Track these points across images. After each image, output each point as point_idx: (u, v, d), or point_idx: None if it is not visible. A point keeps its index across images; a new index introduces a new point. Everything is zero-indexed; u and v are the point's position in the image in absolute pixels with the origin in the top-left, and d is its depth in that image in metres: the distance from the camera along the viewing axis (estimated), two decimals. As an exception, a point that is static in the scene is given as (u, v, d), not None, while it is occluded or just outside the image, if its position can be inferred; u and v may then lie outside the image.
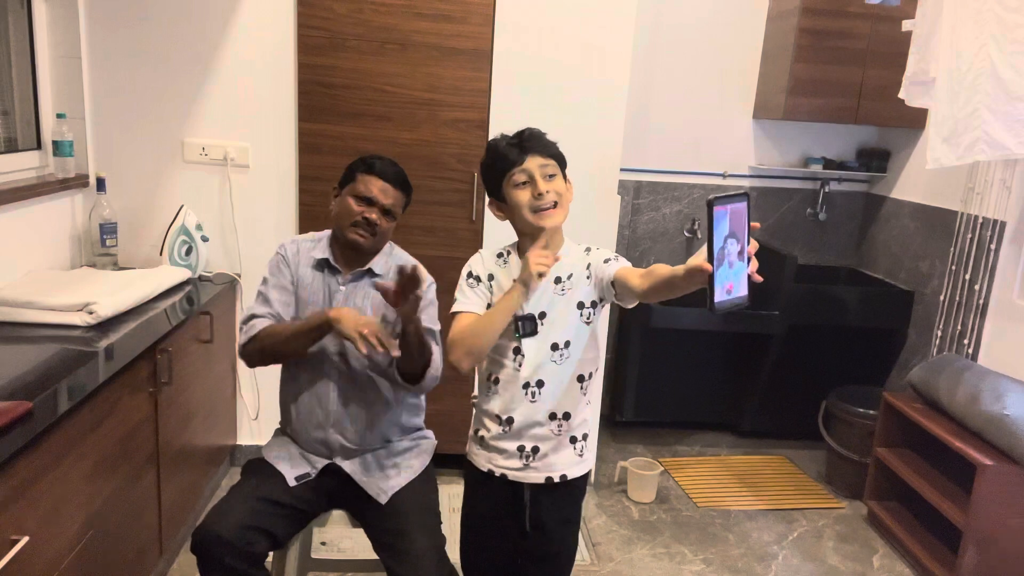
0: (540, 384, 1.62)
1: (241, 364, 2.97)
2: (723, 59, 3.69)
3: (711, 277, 1.16)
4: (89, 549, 1.75)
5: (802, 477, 3.43)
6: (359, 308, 1.89)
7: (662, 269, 1.43)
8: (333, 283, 1.91)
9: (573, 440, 1.68)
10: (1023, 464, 2.40)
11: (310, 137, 2.82)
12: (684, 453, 3.64)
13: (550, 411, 1.64)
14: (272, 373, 3.00)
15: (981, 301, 3.00)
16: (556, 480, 1.67)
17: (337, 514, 1.94)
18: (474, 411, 1.76)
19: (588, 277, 1.63)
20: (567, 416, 1.65)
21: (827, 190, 3.85)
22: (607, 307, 1.68)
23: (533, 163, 1.60)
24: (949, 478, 2.74)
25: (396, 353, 1.68)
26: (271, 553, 1.83)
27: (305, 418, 1.92)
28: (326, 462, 1.90)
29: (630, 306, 1.65)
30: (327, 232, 1.98)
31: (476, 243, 2.91)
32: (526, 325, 1.60)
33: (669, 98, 3.70)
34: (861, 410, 3.17)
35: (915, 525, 2.86)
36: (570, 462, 1.68)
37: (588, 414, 1.70)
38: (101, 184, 2.69)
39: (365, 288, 1.92)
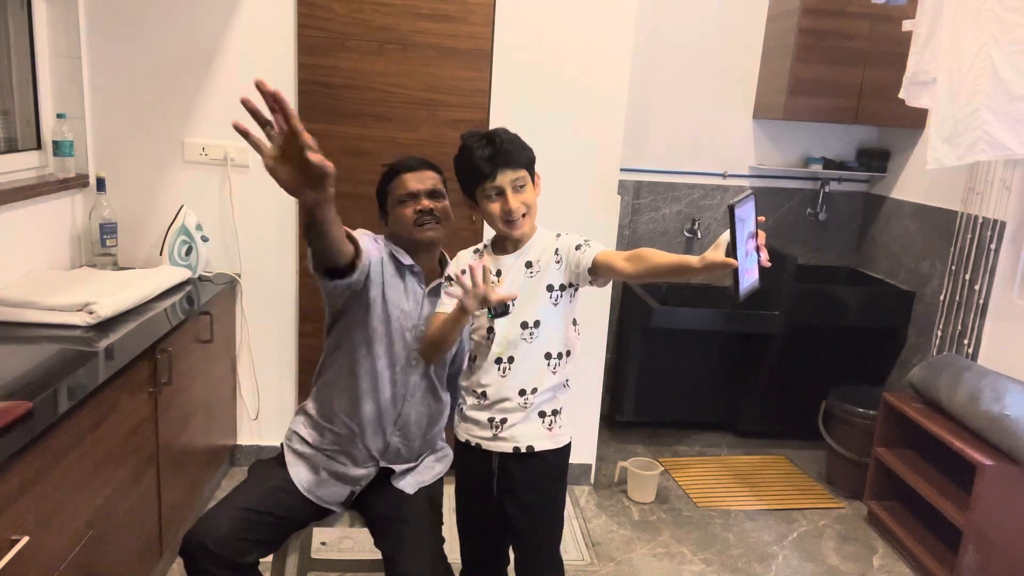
0: (511, 360, 1.71)
1: (241, 364, 2.99)
2: (723, 59, 3.69)
3: (735, 270, 1.31)
4: (89, 549, 1.75)
5: (802, 477, 3.43)
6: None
7: (658, 257, 1.52)
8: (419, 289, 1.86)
9: (542, 415, 1.74)
10: (1023, 464, 2.40)
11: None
12: (684, 453, 3.64)
13: (520, 387, 1.71)
14: (272, 373, 3.04)
15: (981, 301, 3.00)
16: (523, 451, 1.73)
17: (336, 514, 1.92)
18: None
19: (558, 262, 1.71)
20: (534, 391, 1.72)
21: (827, 190, 3.85)
22: (580, 291, 1.75)
23: (505, 179, 1.66)
24: (949, 478, 2.74)
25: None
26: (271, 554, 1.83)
27: (362, 418, 1.82)
28: (369, 472, 1.84)
29: (604, 286, 1.74)
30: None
31: (476, 243, 2.89)
32: (497, 307, 1.69)
33: (669, 98, 3.70)
34: (861, 410, 3.17)
35: (915, 525, 2.86)
36: (537, 435, 1.73)
37: (559, 391, 1.76)
38: (101, 184, 2.69)
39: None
